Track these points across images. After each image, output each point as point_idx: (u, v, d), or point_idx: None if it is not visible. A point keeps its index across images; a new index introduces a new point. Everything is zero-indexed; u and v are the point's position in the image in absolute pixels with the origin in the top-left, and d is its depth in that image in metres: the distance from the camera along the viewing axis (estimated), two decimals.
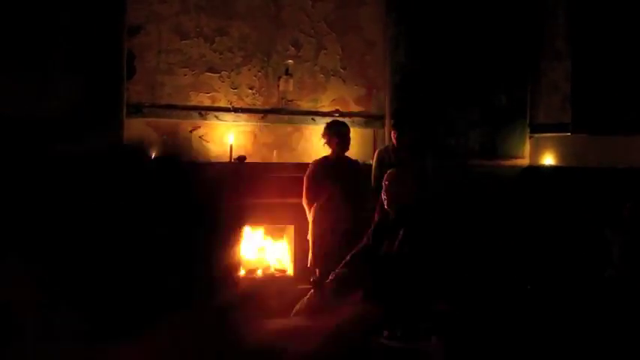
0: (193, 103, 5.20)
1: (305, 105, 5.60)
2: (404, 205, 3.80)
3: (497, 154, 6.20)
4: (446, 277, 3.89)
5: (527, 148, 6.36)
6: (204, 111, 5.22)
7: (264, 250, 5.52)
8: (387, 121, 5.67)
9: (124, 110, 4.68)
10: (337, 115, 5.58)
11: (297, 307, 4.04)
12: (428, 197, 4.84)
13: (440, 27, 5.91)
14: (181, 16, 5.14)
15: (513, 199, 6.12)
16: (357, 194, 4.89)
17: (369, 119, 5.83)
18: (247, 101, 5.38)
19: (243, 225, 5.13)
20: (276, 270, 5.38)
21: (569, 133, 5.89)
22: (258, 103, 5.42)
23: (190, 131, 5.24)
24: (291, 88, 5.42)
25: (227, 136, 5.25)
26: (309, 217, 4.86)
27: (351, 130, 5.07)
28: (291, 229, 5.40)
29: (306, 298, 4.02)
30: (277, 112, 5.46)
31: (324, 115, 5.59)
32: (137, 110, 4.97)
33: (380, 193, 4.06)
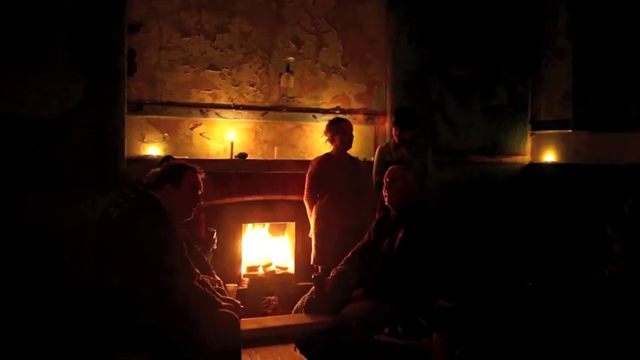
0: (194, 100, 5.20)
1: (306, 102, 5.60)
2: (405, 203, 3.80)
3: (498, 151, 6.21)
4: (447, 273, 3.90)
5: (528, 145, 6.36)
6: (205, 108, 5.22)
7: (265, 248, 5.53)
8: (389, 118, 5.68)
9: (125, 107, 4.68)
10: (338, 112, 5.58)
11: (299, 304, 4.05)
12: (428, 194, 4.85)
13: (441, 24, 5.91)
14: (182, 13, 5.13)
15: (514, 196, 6.12)
16: (358, 191, 4.90)
17: (370, 116, 5.83)
18: (248, 98, 5.38)
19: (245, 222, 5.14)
20: (277, 267, 5.39)
21: (570, 130, 5.89)
22: (259, 100, 5.42)
23: (191, 128, 5.24)
24: (292, 85, 5.42)
25: (228, 133, 5.25)
26: (311, 214, 4.87)
27: (352, 127, 5.07)
28: (292, 226, 5.41)
29: (307, 295, 4.03)
30: (278, 109, 5.46)
31: (325, 112, 5.60)
32: (138, 107, 4.97)
33: (381, 190, 4.06)
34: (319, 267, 4.71)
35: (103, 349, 2.84)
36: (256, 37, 5.38)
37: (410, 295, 3.57)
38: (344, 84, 5.74)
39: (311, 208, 4.87)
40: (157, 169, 3.36)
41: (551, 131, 6.17)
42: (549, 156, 6.18)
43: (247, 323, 3.59)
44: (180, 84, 5.14)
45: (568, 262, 5.00)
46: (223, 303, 3.13)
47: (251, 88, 5.38)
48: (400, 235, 3.68)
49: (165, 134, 5.14)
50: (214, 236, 4.20)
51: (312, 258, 4.89)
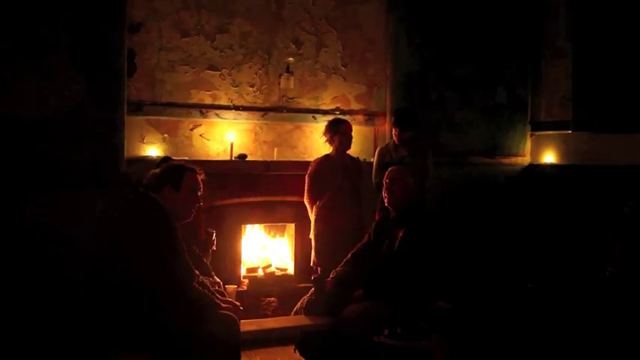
0: (194, 100, 5.19)
1: (306, 103, 5.59)
2: (405, 204, 3.79)
3: (497, 152, 6.21)
4: (447, 275, 3.90)
5: (527, 146, 6.36)
6: (204, 109, 5.21)
7: (264, 249, 5.52)
8: (388, 119, 5.67)
9: (125, 108, 4.68)
10: (338, 112, 5.57)
11: (298, 305, 4.05)
12: (428, 195, 4.84)
13: (441, 25, 5.91)
14: (182, 14, 5.13)
15: (514, 197, 6.12)
16: (358, 192, 4.90)
17: (370, 117, 5.82)
18: (248, 99, 5.37)
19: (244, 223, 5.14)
20: (277, 268, 5.38)
21: (570, 131, 5.90)
22: (259, 101, 5.41)
23: (191, 129, 5.24)
24: (291, 86, 5.42)
25: (228, 134, 5.25)
26: (312, 215, 4.87)
27: (352, 128, 5.06)
28: (291, 227, 5.40)
29: (307, 296, 4.02)
30: (278, 110, 5.46)
31: (324, 112, 5.59)
32: (137, 108, 4.96)
33: (381, 191, 4.06)
34: (319, 268, 4.71)
35: (104, 349, 2.83)
36: (256, 37, 5.37)
37: (410, 297, 3.57)
38: (344, 85, 5.73)
39: (312, 209, 4.87)
40: (157, 170, 3.36)
41: (550, 132, 6.17)
42: (549, 157, 6.18)
43: (247, 325, 3.58)
44: (180, 85, 5.14)
45: (568, 263, 5.00)
46: (223, 304, 3.13)
47: (251, 88, 5.38)
48: (400, 236, 3.68)
49: (165, 135, 5.14)
50: (213, 237, 4.19)
51: (311, 259, 4.89)
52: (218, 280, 3.60)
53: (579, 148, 5.85)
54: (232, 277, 4.95)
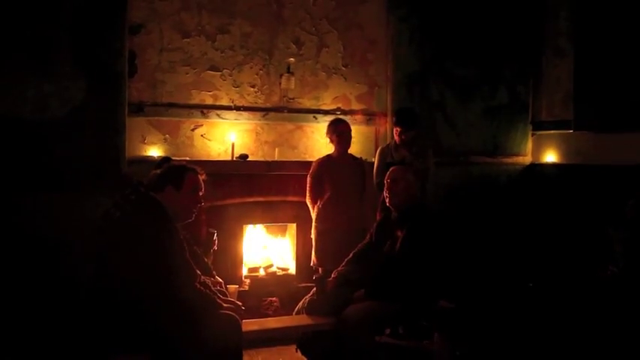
0: (195, 101, 5.20)
1: (307, 103, 5.60)
2: (406, 204, 3.80)
3: (499, 152, 6.21)
4: (448, 274, 3.90)
5: (529, 145, 6.36)
6: (205, 109, 5.22)
7: (266, 249, 5.53)
8: (389, 119, 5.67)
9: (126, 109, 4.68)
10: (339, 113, 5.58)
11: (300, 305, 4.05)
12: (430, 195, 4.84)
13: (442, 24, 5.91)
14: (183, 14, 5.13)
15: (515, 196, 6.12)
16: (360, 192, 4.90)
17: (371, 117, 5.83)
18: (249, 99, 5.38)
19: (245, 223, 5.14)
20: (278, 268, 5.38)
21: (571, 131, 5.89)
22: (260, 102, 5.42)
23: (192, 129, 5.24)
24: (292, 86, 5.42)
25: (229, 135, 5.25)
26: (313, 215, 4.87)
27: (353, 128, 5.06)
28: (293, 227, 5.40)
29: (308, 296, 4.02)
30: (279, 110, 5.46)
31: (325, 113, 5.60)
32: (139, 109, 4.97)
33: (382, 191, 4.06)
34: (320, 268, 4.71)
35: (104, 350, 2.84)
36: (257, 38, 5.38)
37: (411, 296, 3.57)
38: (345, 85, 5.74)
39: (313, 209, 4.88)
40: (158, 171, 3.36)
41: (552, 131, 6.17)
42: (550, 156, 6.18)
43: (248, 324, 3.58)
44: (181, 85, 5.14)
45: (569, 262, 4.99)
46: (224, 304, 3.13)
47: (252, 89, 5.38)
48: (401, 236, 3.68)
49: (166, 135, 5.15)
50: (215, 237, 4.19)
51: (312, 259, 4.89)
52: (220, 280, 3.61)
53: (580, 147, 5.85)
54: (234, 277, 4.95)
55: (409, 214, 3.75)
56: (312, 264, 4.90)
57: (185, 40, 5.14)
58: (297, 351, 3.71)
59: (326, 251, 4.72)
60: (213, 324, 2.93)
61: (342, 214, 4.73)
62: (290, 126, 5.57)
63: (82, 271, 3.29)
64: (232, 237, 5.08)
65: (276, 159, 5.31)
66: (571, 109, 5.89)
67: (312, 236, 4.88)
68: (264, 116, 5.41)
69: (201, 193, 3.14)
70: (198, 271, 3.11)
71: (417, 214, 3.76)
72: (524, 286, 4.62)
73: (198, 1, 5.18)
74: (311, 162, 5.01)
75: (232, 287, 3.94)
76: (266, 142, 5.47)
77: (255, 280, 5.18)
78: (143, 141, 5.07)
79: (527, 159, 6.35)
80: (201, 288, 3.04)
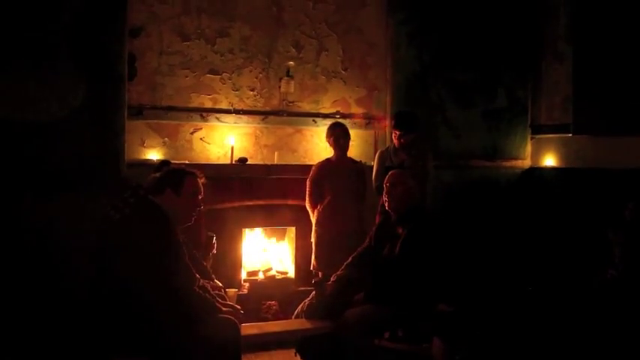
0: (194, 104, 5.21)
1: (306, 106, 5.60)
2: (405, 207, 3.79)
3: (498, 156, 6.21)
4: (447, 278, 3.89)
5: (528, 149, 6.37)
6: (205, 113, 5.22)
7: (265, 252, 5.52)
8: (389, 123, 5.68)
9: (125, 112, 4.68)
10: (338, 116, 5.58)
11: (299, 308, 4.05)
12: (429, 198, 4.84)
13: (441, 28, 5.92)
14: (182, 18, 5.14)
15: (514, 200, 6.12)
16: (360, 196, 4.90)
17: (370, 120, 5.83)
18: (248, 103, 5.38)
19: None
20: (277, 272, 5.38)
21: (570, 134, 5.90)
22: (260, 105, 5.42)
23: (191, 133, 5.24)
24: (292, 90, 5.43)
25: (228, 138, 5.26)
26: (313, 219, 4.87)
27: (352, 131, 5.07)
28: (292, 230, 5.40)
29: (307, 300, 4.02)
30: (278, 114, 5.47)
31: (325, 116, 5.60)
32: (138, 112, 4.97)
33: (381, 194, 4.06)
34: (320, 272, 4.70)
35: (103, 352, 2.83)
36: (256, 41, 5.39)
37: (410, 300, 3.56)
38: (344, 88, 5.74)
39: (313, 213, 4.88)
40: (157, 174, 3.35)
41: (551, 135, 6.17)
42: (549, 160, 6.18)
43: (248, 328, 3.58)
44: (181, 88, 5.15)
45: (569, 266, 4.99)
46: (224, 308, 3.12)
47: (251, 92, 5.39)
48: (401, 239, 3.68)
49: (166, 139, 5.15)
50: (214, 241, 4.19)
51: (312, 263, 4.89)
52: (219, 283, 3.60)
53: (580, 151, 5.85)
54: (233, 280, 4.95)
55: (408, 218, 3.75)
56: (312, 268, 4.89)
57: (185, 43, 5.15)
58: (296, 355, 3.70)
59: (326, 255, 4.72)
60: (212, 328, 2.93)
61: (342, 217, 4.73)
62: (289, 129, 5.57)
63: (81, 274, 3.29)
64: (231, 240, 5.08)
65: (275, 162, 5.31)
66: (570, 112, 5.90)
67: (312, 240, 4.88)
68: (263, 120, 5.42)
69: (200, 197, 3.14)
70: (198, 275, 3.11)
71: (417, 217, 3.76)
72: (523, 289, 4.61)
73: (198, 5, 5.19)
74: (310, 166, 5.02)
75: (231, 291, 3.93)
76: (265, 145, 5.47)
77: (254, 284, 5.17)
78: (142, 144, 5.07)
79: (526, 162, 6.35)
80: (200, 291, 3.04)
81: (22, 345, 3.79)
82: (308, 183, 4.90)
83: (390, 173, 3.96)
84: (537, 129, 6.32)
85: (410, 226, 3.70)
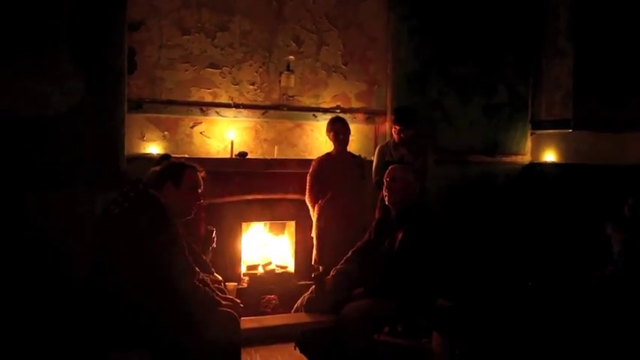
0: (194, 98, 5.19)
1: (306, 101, 5.59)
2: (405, 202, 3.79)
3: (498, 151, 6.21)
4: (447, 273, 3.90)
5: (528, 144, 6.36)
6: (205, 107, 5.21)
7: (265, 247, 5.52)
8: (389, 117, 5.67)
9: (125, 106, 4.67)
10: (338, 111, 5.57)
11: (299, 303, 4.05)
12: (429, 193, 4.84)
13: (442, 23, 5.91)
14: (182, 11, 5.12)
15: (514, 195, 6.12)
16: (360, 190, 4.90)
17: (371, 115, 5.82)
18: (248, 97, 5.37)
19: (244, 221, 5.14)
20: (277, 266, 5.38)
21: (570, 130, 5.89)
22: (260, 99, 5.41)
23: (191, 127, 5.24)
24: (292, 84, 5.42)
25: (228, 132, 5.25)
26: (313, 214, 4.87)
27: (353, 126, 5.07)
28: (292, 225, 5.40)
29: (307, 294, 4.03)
30: (278, 108, 5.46)
31: (325, 111, 5.59)
32: (138, 106, 4.96)
33: (381, 189, 4.06)
34: (320, 267, 4.71)
35: (104, 347, 2.83)
36: (257, 35, 5.37)
37: (410, 295, 3.57)
38: (344, 83, 5.73)
39: (313, 208, 4.88)
40: (157, 168, 3.35)
41: (551, 131, 6.17)
42: (549, 156, 6.18)
43: (247, 322, 3.58)
44: (181, 82, 5.14)
45: (568, 261, 4.99)
46: (223, 302, 3.13)
47: (251, 86, 5.38)
48: (400, 234, 3.68)
49: (166, 133, 5.14)
50: (213, 235, 4.19)
51: (313, 257, 4.89)
52: (219, 277, 3.61)
53: (580, 147, 5.85)
54: (232, 274, 4.96)
55: (408, 213, 3.75)
56: (313, 262, 4.90)
57: (185, 37, 5.14)
58: (295, 349, 3.70)
59: (326, 250, 4.73)
60: (211, 321, 2.93)
61: (343, 212, 4.74)
62: (289, 124, 5.57)
63: (81, 268, 3.29)
64: (231, 235, 5.08)
65: (275, 157, 5.31)
66: (570, 108, 5.89)
67: (313, 235, 4.89)
68: (263, 114, 5.41)
69: (200, 191, 3.14)
70: (197, 269, 3.11)
71: (416, 212, 3.76)
72: (523, 285, 4.61)
73: None
74: (310, 160, 5.02)
75: (231, 285, 3.94)
76: (265, 139, 5.47)
77: (253, 278, 5.18)
78: (142, 138, 5.07)
79: (526, 158, 6.35)
80: (200, 285, 3.04)
81: (22, 342, 3.79)
82: (308, 178, 4.90)
83: (390, 168, 3.96)
84: (537, 124, 6.31)
85: (410, 221, 3.70)
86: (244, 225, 5.29)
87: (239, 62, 5.32)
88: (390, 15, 5.77)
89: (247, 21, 5.33)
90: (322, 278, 3.89)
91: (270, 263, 5.38)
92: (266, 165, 5.15)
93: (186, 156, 4.79)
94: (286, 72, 5.39)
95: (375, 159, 5.06)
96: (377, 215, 4.47)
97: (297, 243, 5.33)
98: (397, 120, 4.89)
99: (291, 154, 5.50)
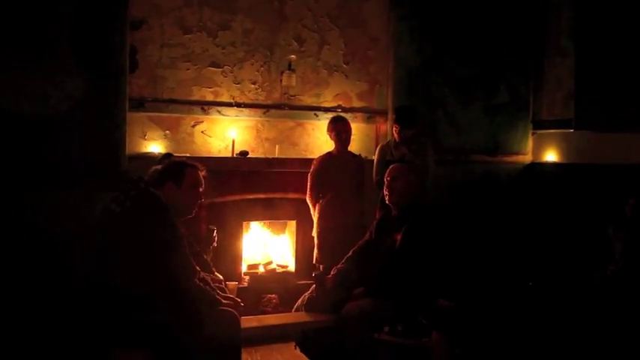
0: (196, 97, 5.20)
1: (307, 100, 5.59)
2: (406, 201, 3.79)
3: (499, 151, 6.20)
4: (447, 273, 3.90)
5: (529, 144, 6.36)
6: (206, 106, 5.21)
7: (265, 246, 5.53)
8: (390, 117, 5.67)
9: (126, 105, 4.68)
10: (340, 110, 5.57)
11: (299, 302, 4.05)
12: (429, 193, 4.84)
13: (444, 23, 5.91)
14: (184, 10, 5.12)
15: (515, 195, 6.12)
16: (360, 189, 4.90)
17: (372, 115, 5.82)
18: (250, 96, 5.37)
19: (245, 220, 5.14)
20: (277, 265, 5.39)
21: (571, 130, 5.89)
22: (261, 98, 5.41)
23: (192, 126, 5.24)
24: (293, 83, 5.42)
25: (229, 131, 5.25)
26: (314, 213, 4.88)
27: (354, 125, 5.07)
28: (292, 224, 5.41)
29: (307, 293, 4.03)
30: (280, 107, 5.46)
31: (326, 110, 5.59)
32: (139, 105, 4.96)
33: (381, 188, 4.06)
34: (321, 266, 4.71)
35: (105, 345, 2.84)
36: (258, 34, 5.37)
37: (410, 294, 3.57)
38: (346, 82, 5.73)
39: (314, 207, 4.88)
40: (158, 167, 3.36)
41: (552, 130, 6.16)
42: (551, 155, 6.17)
43: (248, 321, 3.58)
44: (182, 81, 5.14)
45: (569, 261, 4.99)
46: (224, 301, 3.13)
47: (253, 85, 5.38)
48: (401, 234, 3.68)
49: (167, 132, 5.14)
50: (214, 234, 4.20)
51: (314, 257, 4.89)
52: (219, 276, 3.61)
53: (581, 146, 5.84)
54: (233, 273, 4.96)
55: (409, 212, 3.75)
56: (314, 261, 4.90)
57: (186, 36, 5.14)
58: (296, 348, 3.71)
59: (327, 249, 4.73)
60: (212, 320, 2.93)
61: (343, 211, 4.74)
62: (291, 123, 5.57)
63: (82, 267, 3.29)
64: (232, 234, 5.08)
65: (276, 156, 5.31)
66: (572, 108, 5.89)
67: (314, 234, 4.89)
68: (264, 113, 5.41)
69: (201, 190, 3.14)
70: (198, 268, 3.11)
71: (417, 212, 3.76)
72: (523, 284, 4.61)
73: None
74: (311, 159, 5.02)
75: (232, 284, 3.94)
76: (266, 139, 5.47)
77: (254, 277, 5.18)
78: (143, 137, 5.07)
79: (527, 158, 6.34)
80: (201, 284, 3.04)
81: (24, 339, 3.80)
82: (309, 177, 4.90)
83: (390, 167, 3.96)
84: (539, 124, 6.31)
85: (410, 221, 3.70)
86: (245, 224, 5.29)
87: (240, 61, 5.33)
88: (392, 14, 5.76)
89: (249, 20, 5.33)
90: (323, 277, 3.89)
91: (270, 262, 5.38)
92: (267, 164, 5.16)
93: (188, 155, 4.79)
94: (288, 71, 5.39)
95: (375, 158, 5.06)
96: (377, 215, 4.47)
97: (297, 242, 5.33)
98: (397, 119, 4.89)
99: (292, 154, 5.50)
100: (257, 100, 5.39)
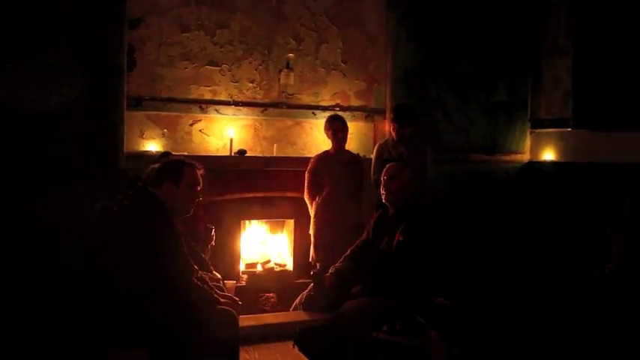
0: (194, 96, 5.19)
1: (306, 99, 5.59)
2: (403, 200, 3.80)
3: (497, 149, 6.21)
4: (445, 271, 3.90)
5: (527, 143, 6.37)
6: (204, 104, 5.21)
7: (264, 245, 5.52)
8: (388, 116, 5.67)
9: (124, 103, 4.67)
10: (338, 109, 5.57)
11: (297, 301, 4.05)
12: (427, 192, 4.84)
13: (442, 21, 5.91)
14: (182, 9, 5.12)
15: (513, 194, 6.13)
16: (358, 188, 4.90)
17: (370, 113, 5.82)
18: (248, 95, 5.37)
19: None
20: (275, 264, 5.38)
21: (569, 129, 5.90)
22: (259, 97, 5.41)
23: (190, 125, 5.23)
24: (291, 82, 5.41)
25: (227, 130, 5.25)
26: (311, 211, 4.87)
27: (352, 124, 5.07)
28: (290, 223, 5.40)
29: (305, 292, 4.03)
30: (278, 106, 5.45)
31: (324, 109, 5.59)
32: (137, 103, 4.96)
33: (379, 187, 4.06)
34: (318, 264, 4.71)
35: (103, 344, 2.84)
36: (256, 33, 5.37)
37: (408, 293, 3.57)
38: (344, 81, 5.73)
39: (311, 205, 4.88)
40: (156, 166, 3.35)
41: (550, 130, 6.17)
42: (548, 154, 6.18)
43: (246, 320, 3.58)
44: (180, 80, 5.13)
45: (567, 260, 5.00)
46: (222, 300, 3.13)
47: (251, 84, 5.38)
48: (399, 232, 3.68)
49: (165, 130, 5.14)
50: (212, 233, 4.19)
51: (311, 255, 4.89)
52: (218, 275, 3.61)
53: (579, 145, 5.85)
54: (231, 272, 4.96)
55: (406, 211, 3.75)
56: (311, 260, 4.90)
57: (184, 34, 5.13)
58: (294, 347, 3.71)
59: (324, 247, 4.73)
60: (210, 319, 2.93)
61: (340, 209, 4.74)
62: (289, 122, 5.57)
63: (80, 266, 3.29)
64: (230, 233, 5.08)
65: (274, 155, 5.31)
66: (570, 107, 5.89)
67: (311, 232, 4.89)
68: (262, 112, 5.41)
69: (199, 188, 3.14)
70: (196, 267, 3.11)
71: (414, 211, 3.76)
72: (521, 283, 4.62)
73: None
74: (309, 158, 5.02)
75: (230, 283, 3.94)
76: (264, 137, 5.47)
77: (252, 276, 5.18)
78: (141, 135, 5.06)
79: (525, 157, 6.35)
80: (199, 283, 3.04)
81: (22, 338, 3.79)
82: (307, 175, 4.90)
83: (387, 166, 3.96)
84: (537, 123, 6.32)
85: (408, 220, 3.70)
86: (243, 223, 5.29)
87: (238, 60, 5.32)
88: (390, 13, 5.77)
89: (247, 18, 5.33)
90: (321, 276, 3.89)
91: (269, 261, 5.38)
92: (265, 163, 5.15)
93: (186, 154, 4.78)
94: (286, 70, 5.39)
95: (373, 157, 5.06)
96: (375, 213, 4.47)
97: (295, 241, 5.33)
98: (395, 118, 4.90)
99: (290, 152, 5.50)
100: (255, 98, 5.39)
